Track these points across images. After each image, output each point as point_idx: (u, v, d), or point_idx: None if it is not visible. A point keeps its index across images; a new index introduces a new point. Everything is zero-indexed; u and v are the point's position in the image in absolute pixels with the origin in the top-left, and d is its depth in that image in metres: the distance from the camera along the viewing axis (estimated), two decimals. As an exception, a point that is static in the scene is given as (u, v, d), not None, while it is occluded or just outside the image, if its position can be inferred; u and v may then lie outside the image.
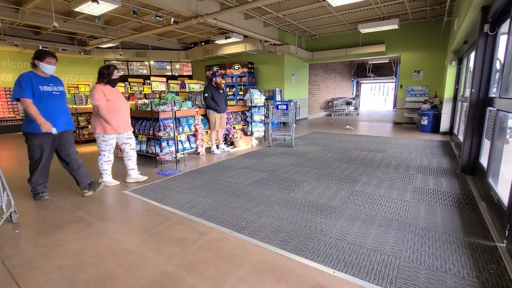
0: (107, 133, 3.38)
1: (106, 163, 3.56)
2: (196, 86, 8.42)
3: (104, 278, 1.76)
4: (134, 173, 3.73)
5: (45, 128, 2.78)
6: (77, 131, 6.72)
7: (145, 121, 4.80)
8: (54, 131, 2.81)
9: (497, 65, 3.36)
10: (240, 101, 10.75)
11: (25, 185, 3.32)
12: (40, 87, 2.83)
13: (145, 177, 3.75)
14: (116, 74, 3.42)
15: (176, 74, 13.32)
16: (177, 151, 4.53)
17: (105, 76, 3.33)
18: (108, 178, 3.62)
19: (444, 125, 7.35)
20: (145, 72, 12.90)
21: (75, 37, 10.18)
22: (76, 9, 6.00)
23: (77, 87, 8.21)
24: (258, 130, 6.50)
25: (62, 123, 3.00)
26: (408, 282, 1.66)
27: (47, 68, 2.91)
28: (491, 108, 3.27)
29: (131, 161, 3.69)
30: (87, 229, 2.42)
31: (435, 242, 2.09)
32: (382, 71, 17.78)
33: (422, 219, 2.46)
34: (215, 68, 11.96)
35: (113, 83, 3.41)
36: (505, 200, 2.22)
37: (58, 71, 3.56)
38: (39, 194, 3.09)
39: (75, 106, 6.95)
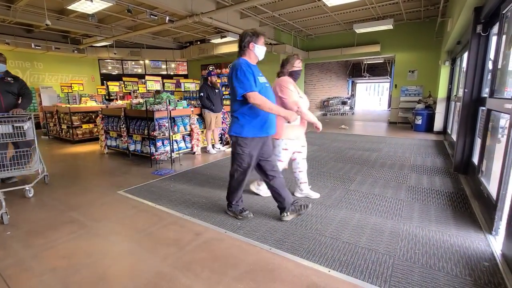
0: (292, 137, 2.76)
1: (303, 172, 2.92)
2: (191, 85, 8.39)
3: (98, 279, 1.74)
4: (306, 187, 3.02)
5: (294, 118, 2.23)
6: (71, 131, 6.64)
7: (139, 120, 4.76)
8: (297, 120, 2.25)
9: (490, 66, 3.41)
10: (236, 100, 10.73)
11: (14, 186, 3.27)
12: (258, 77, 2.24)
13: (318, 194, 3.05)
14: (298, 65, 2.73)
15: (172, 73, 13.25)
16: (172, 150, 4.51)
17: (283, 65, 2.71)
18: (308, 189, 3.02)
19: (438, 124, 7.44)
20: (140, 71, 12.80)
21: (68, 35, 10.05)
22: (69, 7, 5.93)
23: (71, 86, 8.13)
24: (254, 129, 6.49)
25: (274, 124, 2.44)
26: (402, 280, 1.67)
27: (263, 51, 2.34)
28: (484, 108, 3.32)
29: (303, 173, 2.96)
30: (81, 229, 2.39)
31: (428, 240, 2.11)
32: (377, 71, 17.91)
33: (416, 218, 2.48)
34: (211, 67, 11.91)
35: (295, 76, 2.74)
36: (495, 195, 2.28)
37: (51, 69, 3.50)
38: (244, 212, 2.52)
39: (68, 106, 6.86)
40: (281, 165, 2.78)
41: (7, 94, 3.40)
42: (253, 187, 3.12)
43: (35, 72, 10.27)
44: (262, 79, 2.29)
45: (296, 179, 2.98)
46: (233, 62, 2.25)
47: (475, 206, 2.73)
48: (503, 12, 2.85)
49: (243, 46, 2.30)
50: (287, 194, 2.45)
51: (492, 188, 2.61)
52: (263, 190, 3.05)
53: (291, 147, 2.78)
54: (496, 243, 2.08)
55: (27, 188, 3.13)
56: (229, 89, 2.54)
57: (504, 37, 2.82)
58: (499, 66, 2.85)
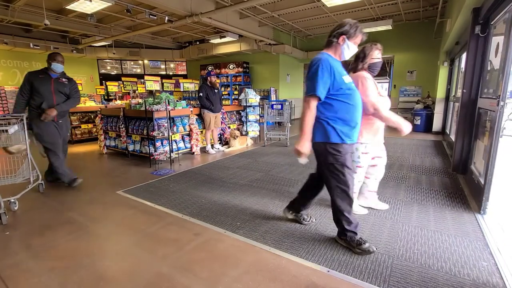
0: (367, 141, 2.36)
1: (359, 184, 2.53)
2: (190, 85, 8.39)
3: (97, 280, 1.74)
4: (374, 197, 2.66)
5: (300, 150, 1.89)
6: (70, 131, 6.61)
7: (139, 120, 4.76)
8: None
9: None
10: (235, 100, 10.74)
11: (13, 185, 3.26)
12: (343, 77, 1.88)
13: (387, 205, 2.70)
14: (378, 56, 2.32)
15: (171, 73, 13.23)
16: (171, 151, 4.50)
17: (360, 58, 2.32)
18: (377, 200, 2.67)
19: (437, 125, 7.46)
20: (139, 71, 12.78)
21: (67, 35, 10.02)
22: (68, 7, 5.93)
23: (70, 86, 8.09)
24: (253, 129, 6.51)
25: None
26: (401, 280, 1.68)
27: (352, 51, 1.99)
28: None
29: (377, 182, 2.65)
30: (80, 230, 2.38)
31: (427, 240, 2.12)
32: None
33: (415, 218, 2.49)
34: (210, 67, 11.91)
35: (374, 69, 2.34)
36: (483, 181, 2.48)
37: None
38: (364, 244, 1.95)
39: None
40: (361, 171, 2.44)
41: (60, 94, 3.36)
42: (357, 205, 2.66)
43: (33, 72, 10.24)
44: (348, 79, 1.92)
45: (365, 185, 2.61)
46: (315, 56, 1.91)
47: (473, 205, 2.73)
48: (491, 23, 2.92)
49: (332, 37, 1.92)
50: (310, 204, 2.39)
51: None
52: (374, 202, 2.66)
53: (372, 151, 2.41)
54: (486, 226, 2.30)
55: (12, 200, 2.76)
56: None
57: (493, 41, 2.89)
58: (491, 69, 2.92)
